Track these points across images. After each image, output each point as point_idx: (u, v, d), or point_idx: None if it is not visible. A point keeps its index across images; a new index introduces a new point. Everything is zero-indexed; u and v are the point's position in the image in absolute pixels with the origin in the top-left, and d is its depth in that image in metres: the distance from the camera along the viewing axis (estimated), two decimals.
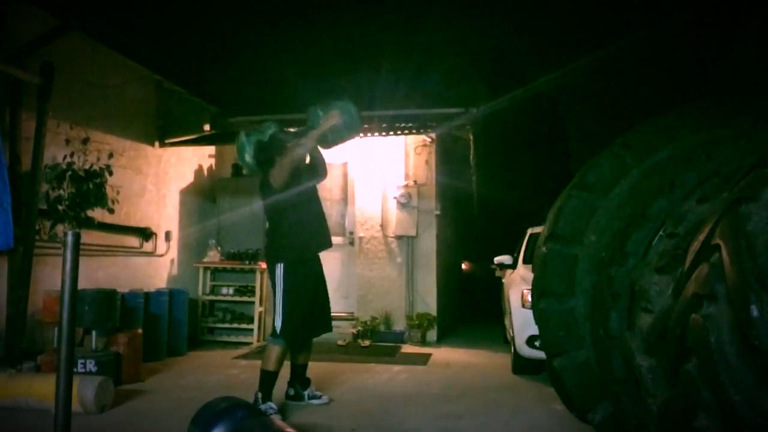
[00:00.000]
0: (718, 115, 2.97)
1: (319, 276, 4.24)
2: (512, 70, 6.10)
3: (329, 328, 4.40)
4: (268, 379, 3.99)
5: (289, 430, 2.39)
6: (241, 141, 4.30)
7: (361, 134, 6.92)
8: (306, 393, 4.31)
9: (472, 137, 7.03)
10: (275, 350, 4.00)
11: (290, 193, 4.06)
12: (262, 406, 3.84)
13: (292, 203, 4.07)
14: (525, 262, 6.16)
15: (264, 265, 7.38)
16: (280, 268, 4.03)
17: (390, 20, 5.03)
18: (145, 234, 6.63)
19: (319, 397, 4.32)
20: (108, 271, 6.01)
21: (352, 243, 8.03)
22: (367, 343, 7.22)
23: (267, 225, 4.41)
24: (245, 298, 7.44)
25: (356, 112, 4.24)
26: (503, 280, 7.08)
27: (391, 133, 7.02)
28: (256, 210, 7.64)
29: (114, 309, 5.08)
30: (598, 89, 6.13)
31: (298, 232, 4.09)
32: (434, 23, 5.11)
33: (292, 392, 4.34)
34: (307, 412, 4.12)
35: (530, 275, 3.48)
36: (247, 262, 7.46)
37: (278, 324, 3.98)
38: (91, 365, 4.50)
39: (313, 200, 4.26)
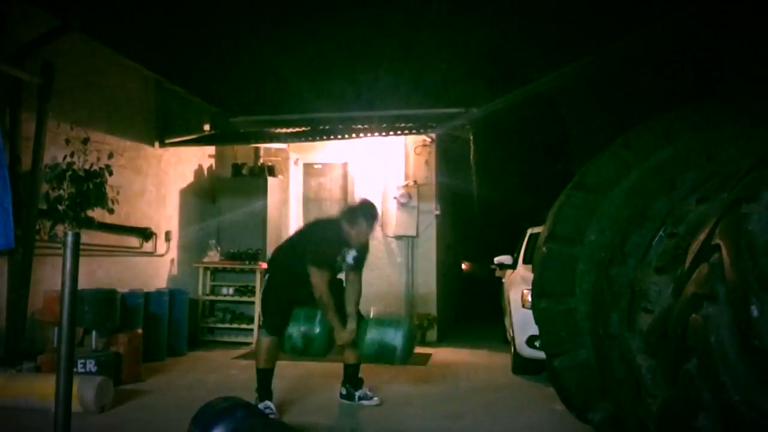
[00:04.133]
0: (718, 115, 2.97)
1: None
2: (512, 70, 6.10)
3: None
4: (261, 377, 4.04)
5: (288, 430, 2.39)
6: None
7: (361, 134, 6.95)
8: (357, 393, 4.33)
9: (471, 137, 7.03)
10: (261, 344, 4.16)
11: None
12: (260, 405, 3.84)
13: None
14: (525, 262, 6.16)
15: (264, 265, 7.44)
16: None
17: (390, 20, 5.03)
18: (145, 234, 6.62)
19: (370, 398, 4.33)
20: (108, 271, 6.01)
21: None
22: None
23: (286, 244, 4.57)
24: (245, 298, 7.43)
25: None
26: (503, 280, 7.07)
27: (391, 133, 7.02)
28: (256, 210, 7.67)
29: (114, 309, 5.08)
30: (598, 89, 6.13)
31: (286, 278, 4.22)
32: (434, 23, 5.12)
33: (344, 392, 4.37)
34: (308, 411, 4.12)
35: (530, 275, 3.48)
36: (247, 262, 7.45)
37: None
38: (91, 365, 4.50)
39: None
